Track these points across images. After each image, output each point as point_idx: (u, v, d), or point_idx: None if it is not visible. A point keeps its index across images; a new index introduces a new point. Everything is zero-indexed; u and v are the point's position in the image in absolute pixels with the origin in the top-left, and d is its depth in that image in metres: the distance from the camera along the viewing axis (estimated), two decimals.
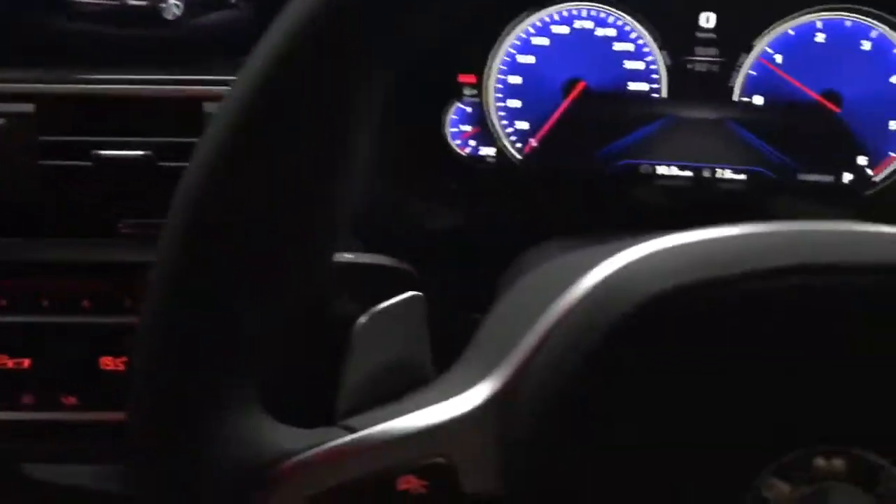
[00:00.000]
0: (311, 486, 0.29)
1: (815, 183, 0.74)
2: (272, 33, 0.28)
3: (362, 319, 0.35)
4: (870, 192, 0.74)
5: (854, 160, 0.74)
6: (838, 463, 0.29)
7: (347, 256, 0.60)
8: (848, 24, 0.72)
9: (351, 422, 0.32)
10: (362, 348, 0.34)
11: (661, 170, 0.76)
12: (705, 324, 0.29)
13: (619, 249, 0.31)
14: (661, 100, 0.75)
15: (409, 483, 0.29)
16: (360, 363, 0.34)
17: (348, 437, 0.30)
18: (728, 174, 0.75)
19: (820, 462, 0.29)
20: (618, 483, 0.30)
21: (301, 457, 0.30)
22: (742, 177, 0.75)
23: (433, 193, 0.75)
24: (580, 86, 0.75)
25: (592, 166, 0.76)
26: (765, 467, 0.29)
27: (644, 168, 0.76)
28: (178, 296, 0.29)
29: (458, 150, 0.78)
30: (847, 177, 0.74)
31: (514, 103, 0.77)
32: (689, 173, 0.76)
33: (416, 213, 0.74)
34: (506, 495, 0.30)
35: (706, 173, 0.76)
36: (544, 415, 0.30)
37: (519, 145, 0.77)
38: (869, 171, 0.74)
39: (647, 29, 0.74)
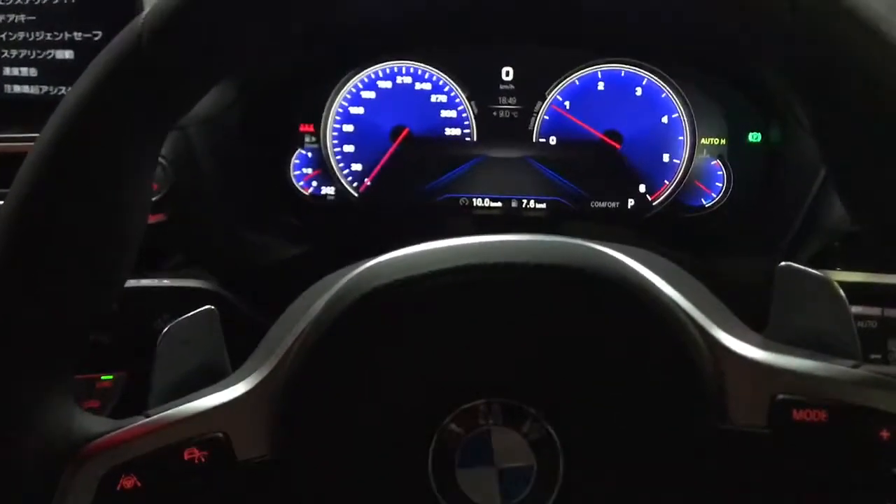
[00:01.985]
0: (105, 465, 0.35)
1: (605, 209, 0.87)
2: (63, 102, 0.33)
3: (165, 331, 0.40)
4: (649, 214, 0.87)
5: (636, 188, 0.87)
6: (497, 411, 0.37)
7: (166, 281, 0.70)
8: (623, 74, 0.86)
9: (151, 411, 0.37)
10: (166, 355, 0.40)
11: (477, 202, 0.88)
12: (403, 310, 0.36)
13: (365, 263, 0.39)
14: (472, 142, 0.87)
15: (193, 454, 0.35)
16: (165, 368, 0.40)
17: (142, 420, 0.36)
18: (532, 204, 0.87)
19: (483, 410, 0.37)
20: (349, 443, 0.37)
21: (101, 439, 0.35)
22: (543, 206, 0.87)
23: (280, 229, 0.86)
24: (405, 132, 0.87)
25: (419, 201, 0.88)
26: (446, 416, 0.36)
27: (462, 201, 0.88)
28: None
29: (302, 191, 0.89)
30: (631, 202, 0.87)
31: (349, 148, 0.88)
32: (499, 204, 0.88)
33: (264, 247, 0.85)
34: (272, 459, 0.36)
35: (514, 204, 0.88)
36: (296, 393, 0.36)
37: (355, 184, 0.88)
38: (648, 198, 0.87)
39: (457, 83, 0.86)
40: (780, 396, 0.36)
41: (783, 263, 0.40)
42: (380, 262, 0.39)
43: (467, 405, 0.37)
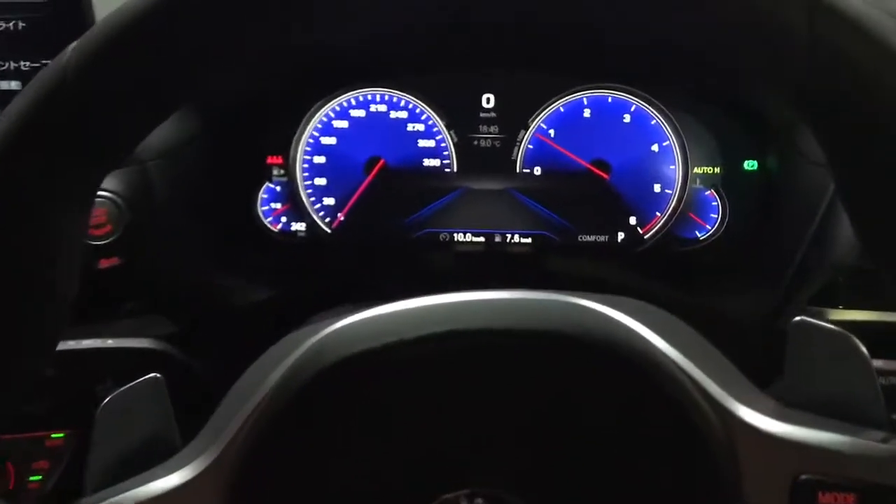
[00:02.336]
0: None
1: (593, 242, 0.82)
2: None
3: (104, 403, 0.37)
4: (640, 248, 0.82)
5: (626, 221, 0.82)
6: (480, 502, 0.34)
7: (110, 342, 0.64)
8: (610, 100, 0.81)
9: (86, 500, 0.35)
10: (105, 430, 0.37)
11: (458, 237, 0.83)
12: (375, 383, 0.33)
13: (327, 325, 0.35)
14: (452, 174, 0.82)
15: None
16: (104, 445, 0.37)
17: None
18: (517, 238, 0.82)
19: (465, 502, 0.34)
20: None
21: None
22: (528, 240, 0.82)
23: (247, 270, 0.80)
24: (380, 164, 0.82)
25: (396, 237, 0.83)
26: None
27: (442, 236, 0.83)
28: None
29: (270, 227, 0.83)
30: (620, 236, 0.82)
31: (321, 181, 0.83)
32: (481, 239, 0.82)
33: (230, 290, 0.79)
34: None
35: (497, 238, 0.83)
36: (247, 480, 0.33)
37: (327, 220, 0.83)
38: (639, 230, 0.82)
39: (434, 111, 0.81)
40: (804, 477, 0.32)
41: (797, 319, 0.36)
42: (347, 326, 0.34)
43: (449, 496, 0.34)
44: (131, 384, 0.37)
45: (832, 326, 0.36)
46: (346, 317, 0.35)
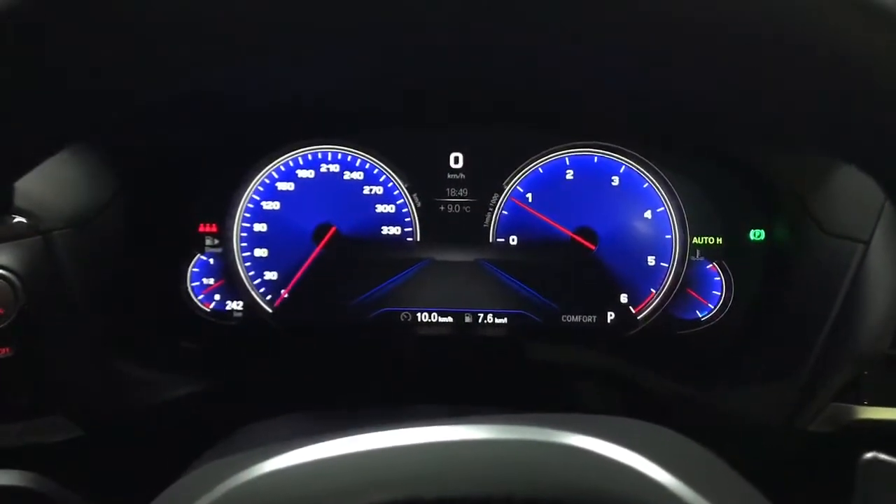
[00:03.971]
0: None
1: (579, 324, 0.71)
2: None
3: None
4: (633, 331, 0.71)
5: (616, 299, 0.71)
6: None
7: None
8: (596, 160, 0.71)
9: None
10: None
11: (422, 317, 0.71)
12: None
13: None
14: (415, 243, 0.71)
15: None
16: None
17: None
18: (490, 318, 0.71)
19: None
20: None
21: None
22: (504, 321, 0.71)
23: (170, 359, 0.67)
24: (331, 231, 0.71)
25: (348, 317, 0.71)
26: None
27: (403, 316, 0.71)
28: None
29: (202, 306, 0.71)
30: (610, 316, 0.71)
31: (262, 252, 0.71)
32: (449, 319, 0.71)
33: (148, 384, 0.66)
34: None
35: (468, 318, 0.71)
36: None
37: (269, 298, 0.71)
38: (631, 310, 0.71)
39: (395, 171, 0.70)
40: None
41: (869, 455, 0.34)
42: (282, 472, 0.27)
43: None
44: None
45: None
46: (279, 448, 0.27)
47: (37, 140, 0.29)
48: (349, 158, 0.71)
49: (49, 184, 0.59)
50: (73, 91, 0.27)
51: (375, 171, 0.71)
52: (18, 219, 0.60)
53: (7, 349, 0.59)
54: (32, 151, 0.29)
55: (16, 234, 0.60)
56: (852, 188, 0.60)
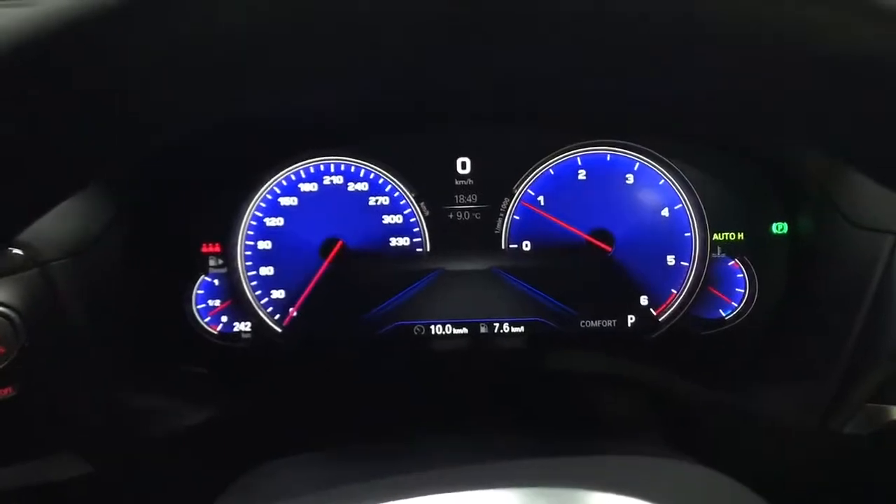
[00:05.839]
0: None
1: (599, 329, 0.68)
2: None
3: None
4: (655, 334, 0.68)
5: (636, 302, 0.68)
6: None
7: None
8: (609, 158, 0.68)
9: None
10: None
11: (436, 330, 0.69)
12: None
13: None
14: (425, 254, 0.68)
15: None
16: None
17: None
18: (506, 328, 0.69)
19: None
20: None
21: None
22: (520, 329, 0.68)
23: (178, 386, 0.65)
24: (338, 246, 0.68)
25: (360, 333, 0.69)
26: None
27: (416, 329, 0.69)
28: None
29: (209, 329, 0.69)
30: (631, 320, 0.69)
31: (267, 271, 0.69)
32: (464, 331, 0.69)
33: (156, 413, 0.64)
34: None
35: (483, 329, 0.69)
36: None
37: (277, 317, 0.69)
38: (652, 312, 0.68)
39: (401, 180, 0.68)
40: None
41: None
42: None
43: None
44: None
45: None
46: None
47: (60, 178, 0.28)
48: (353, 169, 0.68)
49: None
50: (102, 130, 0.27)
51: (381, 180, 0.68)
52: (15, 251, 0.58)
53: (9, 389, 0.57)
54: (56, 192, 0.29)
55: (13, 266, 0.58)
56: None
